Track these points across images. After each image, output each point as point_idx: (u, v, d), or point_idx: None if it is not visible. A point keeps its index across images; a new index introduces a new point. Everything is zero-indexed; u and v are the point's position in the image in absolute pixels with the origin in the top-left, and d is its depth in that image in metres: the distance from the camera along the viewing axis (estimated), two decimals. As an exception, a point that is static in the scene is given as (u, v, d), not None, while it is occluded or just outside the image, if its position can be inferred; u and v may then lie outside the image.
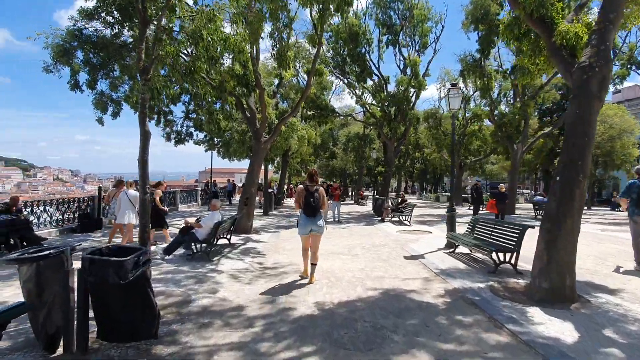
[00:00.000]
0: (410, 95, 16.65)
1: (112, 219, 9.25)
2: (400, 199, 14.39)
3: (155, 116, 13.56)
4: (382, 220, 14.44)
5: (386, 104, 17.75)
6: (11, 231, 7.85)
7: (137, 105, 5.88)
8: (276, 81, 13.29)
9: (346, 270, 6.25)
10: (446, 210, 8.83)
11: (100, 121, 8.87)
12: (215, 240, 7.55)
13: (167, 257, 7.16)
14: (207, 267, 6.55)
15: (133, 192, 8.24)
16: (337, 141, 41.45)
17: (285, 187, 30.35)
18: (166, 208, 9.62)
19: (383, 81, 17.49)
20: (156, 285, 5.02)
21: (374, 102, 18.73)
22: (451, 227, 8.34)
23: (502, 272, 5.92)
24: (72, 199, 11.40)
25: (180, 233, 7.18)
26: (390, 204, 14.98)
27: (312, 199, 4.94)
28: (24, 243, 8.19)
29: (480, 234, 7.19)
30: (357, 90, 18.04)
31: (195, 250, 7.14)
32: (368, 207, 23.40)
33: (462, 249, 7.82)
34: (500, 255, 5.93)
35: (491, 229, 6.80)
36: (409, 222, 13.49)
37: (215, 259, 7.23)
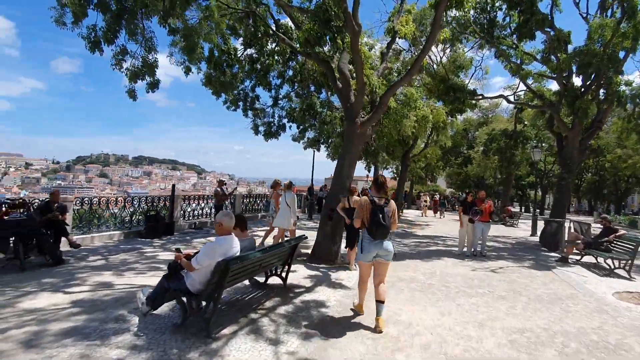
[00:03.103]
0: (617, 51, 9.77)
1: (270, 220, 8.55)
2: (605, 226, 7.98)
3: (241, 103, 11.09)
4: (564, 261, 8.36)
5: (565, 74, 11.23)
6: (21, 235, 5.89)
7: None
8: (385, 43, 8.96)
9: None
10: None
11: (132, 94, 6.48)
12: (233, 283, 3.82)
13: (151, 311, 3.83)
14: (198, 355, 2.92)
15: (291, 194, 7.65)
16: (473, 143, 33.79)
17: (404, 197, 25.29)
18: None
19: (560, 39, 11.04)
20: None
21: (542, 72, 12.34)
22: None
23: None
24: (141, 198, 9.71)
25: (165, 277, 3.71)
26: (579, 231, 8.71)
27: (381, 216, 3.72)
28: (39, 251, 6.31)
29: None
30: (513, 58, 12.01)
31: (187, 311, 3.55)
32: (521, 231, 16.36)
33: None
34: None
35: None
36: (629, 272, 7.11)
37: (225, 331, 3.54)
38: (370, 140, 9.33)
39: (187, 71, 7.44)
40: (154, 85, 6.59)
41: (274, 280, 5.35)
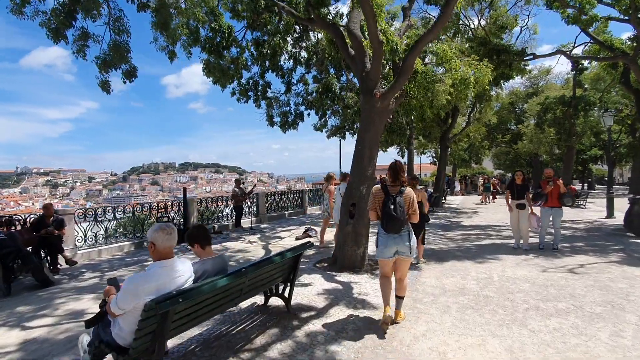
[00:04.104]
0: None
1: (325, 216, 7.86)
2: None
3: (252, 93, 9.99)
4: (668, 251, 6.29)
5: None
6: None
7: None
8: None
9: None
10: None
11: (105, 86, 5.53)
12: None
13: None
14: None
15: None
16: (521, 117, 30.27)
17: (447, 183, 22.99)
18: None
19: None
20: None
21: (609, 16, 9.87)
22: None
23: None
24: (157, 204, 9.01)
25: (88, 322, 2.59)
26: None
27: (392, 206, 3.36)
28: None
29: None
30: (571, 2, 9.65)
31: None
32: (591, 212, 13.74)
33: None
34: None
35: None
36: None
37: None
38: (394, 116, 7.74)
39: (172, 56, 6.42)
40: (130, 74, 5.62)
41: (276, 301, 4.15)
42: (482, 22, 13.67)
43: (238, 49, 8.10)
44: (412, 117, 8.59)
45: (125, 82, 5.70)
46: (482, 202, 19.34)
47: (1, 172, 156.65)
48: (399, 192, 3.47)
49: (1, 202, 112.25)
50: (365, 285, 4.96)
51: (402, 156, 16.13)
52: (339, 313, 4.00)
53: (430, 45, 6.58)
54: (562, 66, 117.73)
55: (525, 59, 11.69)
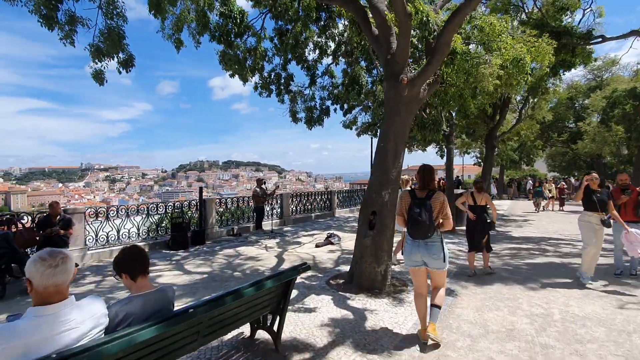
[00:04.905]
0: None
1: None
2: None
3: (274, 87, 9.29)
4: None
5: None
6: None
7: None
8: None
9: None
10: None
11: (98, 77, 5.02)
12: None
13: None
14: None
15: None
16: (582, 114, 26.92)
17: (493, 183, 20.86)
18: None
19: None
20: None
21: None
22: None
23: None
24: (167, 204, 8.62)
25: None
26: None
27: (418, 210, 3.18)
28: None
29: None
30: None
31: None
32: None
33: None
34: None
35: None
36: None
37: None
38: (427, 107, 6.47)
39: (178, 45, 5.84)
40: (127, 63, 5.10)
41: (263, 335, 3.31)
42: (538, 4, 11.86)
43: (255, 38, 7.39)
44: (451, 111, 7.23)
45: (120, 72, 5.20)
46: (538, 209, 16.87)
47: (68, 167, 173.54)
48: (427, 196, 3.26)
49: (67, 195, 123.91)
50: (384, 316, 3.96)
51: (442, 156, 14.62)
52: (345, 355, 3.08)
53: (472, 17, 5.35)
54: (630, 57, 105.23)
55: (591, 42, 9.82)
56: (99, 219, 7.29)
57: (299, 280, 5.15)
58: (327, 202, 14.07)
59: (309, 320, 3.83)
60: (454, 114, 10.33)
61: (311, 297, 4.59)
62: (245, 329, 3.46)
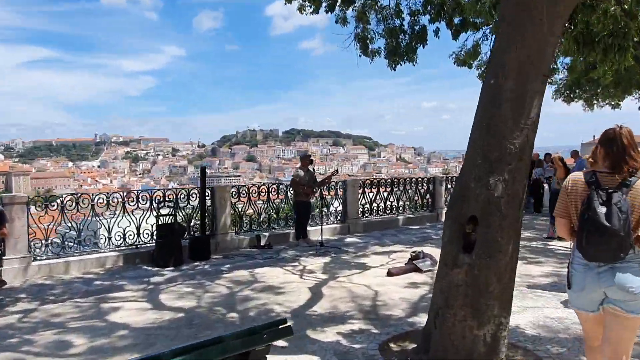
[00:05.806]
0: None
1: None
2: None
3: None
4: None
5: None
6: None
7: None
8: None
9: None
10: None
11: None
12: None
13: None
14: None
15: None
16: None
17: None
18: None
19: None
20: None
21: None
22: None
23: None
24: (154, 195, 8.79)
25: None
26: None
27: (604, 210, 3.07)
28: None
29: None
30: None
31: None
32: None
33: None
34: None
35: None
36: None
37: None
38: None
39: None
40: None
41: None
42: None
43: None
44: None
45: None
46: None
47: (80, 140, 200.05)
48: (620, 187, 3.15)
49: (78, 178, 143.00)
50: None
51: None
52: None
53: None
54: None
55: None
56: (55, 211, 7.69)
57: (326, 340, 4.58)
58: (427, 196, 13.41)
59: None
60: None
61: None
62: None
